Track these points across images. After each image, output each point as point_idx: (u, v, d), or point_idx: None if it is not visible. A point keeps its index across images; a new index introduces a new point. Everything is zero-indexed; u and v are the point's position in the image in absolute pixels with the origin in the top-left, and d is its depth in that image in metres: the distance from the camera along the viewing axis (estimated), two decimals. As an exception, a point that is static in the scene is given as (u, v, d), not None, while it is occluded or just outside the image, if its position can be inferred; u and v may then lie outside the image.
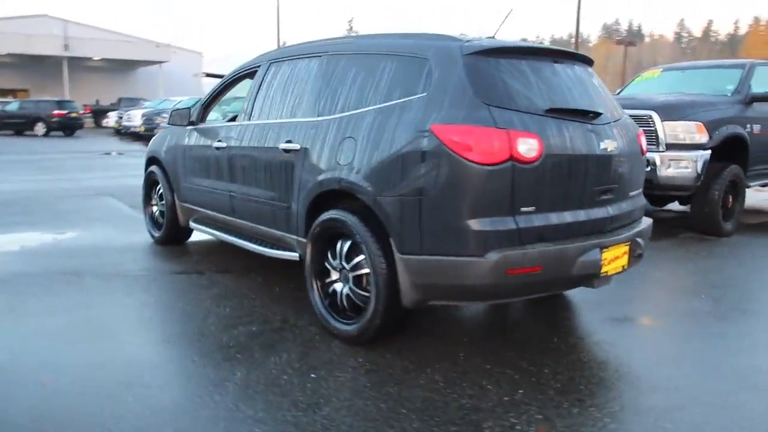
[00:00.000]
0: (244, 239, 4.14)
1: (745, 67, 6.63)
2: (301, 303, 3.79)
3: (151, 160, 5.46)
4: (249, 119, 4.05)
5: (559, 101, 2.92)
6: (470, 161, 2.61)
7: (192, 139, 4.73)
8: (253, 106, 4.06)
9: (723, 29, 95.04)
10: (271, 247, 3.86)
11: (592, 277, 2.89)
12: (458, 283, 2.73)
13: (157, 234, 5.38)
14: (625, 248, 3.05)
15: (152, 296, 3.94)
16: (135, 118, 21.15)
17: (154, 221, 5.52)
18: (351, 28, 48.67)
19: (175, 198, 5.04)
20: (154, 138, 5.65)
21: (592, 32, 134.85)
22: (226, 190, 4.20)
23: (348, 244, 3.13)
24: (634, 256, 3.12)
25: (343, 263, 3.16)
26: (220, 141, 4.26)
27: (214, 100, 4.84)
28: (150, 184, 5.51)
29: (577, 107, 2.96)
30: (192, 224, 4.88)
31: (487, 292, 2.76)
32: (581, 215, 2.91)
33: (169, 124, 4.90)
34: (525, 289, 2.81)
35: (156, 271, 4.52)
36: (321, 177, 3.24)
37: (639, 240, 3.14)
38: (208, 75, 44.64)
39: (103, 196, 8.23)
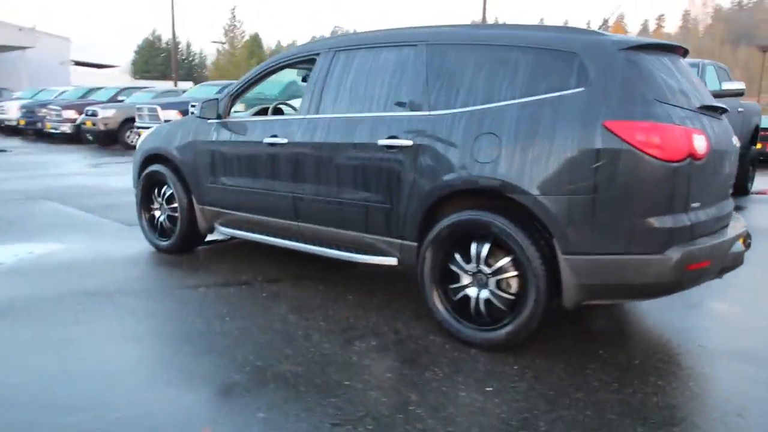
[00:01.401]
0: (314, 245, 3.76)
1: (699, 65, 7.26)
2: (390, 310, 3.53)
3: (152, 159, 4.78)
4: (317, 112, 3.67)
5: (700, 98, 2.96)
6: (656, 158, 2.55)
7: (222, 134, 4.19)
8: (320, 98, 3.67)
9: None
10: (355, 252, 3.55)
11: (732, 267, 2.98)
12: (634, 281, 2.66)
13: (164, 242, 4.72)
14: (742, 239, 3.17)
15: (219, 314, 3.42)
16: (10, 111, 18.51)
17: (156, 228, 4.84)
18: (233, 16, 46.70)
19: (194, 200, 4.46)
20: (152, 132, 4.94)
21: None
22: (288, 191, 3.77)
23: (487, 245, 2.94)
24: (746, 246, 3.26)
25: (482, 266, 2.97)
26: (275, 137, 3.81)
27: (245, 92, 4.33)
28: (149, 185, 4.82)
29: (711, 103, 3.02)
30: (222, 229, 4.35)
31: (661, 289, 2.72)
32: (722, 209, 2.98)
33: (199, 117, 4.30)
34: (689, 283, 2.82)
35: (195, 285, 3.95)
36: (449, 176, 3.00)
37: (748, 231, 3.29)
38: (78, 63, 40.56)
39: (38, 200, 7.10)
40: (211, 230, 4.51)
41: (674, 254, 2.59)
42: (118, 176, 9.61)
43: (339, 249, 3.63)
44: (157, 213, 4.82)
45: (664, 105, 2.66)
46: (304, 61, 4.03)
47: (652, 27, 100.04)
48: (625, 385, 2.67)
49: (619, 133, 2.59)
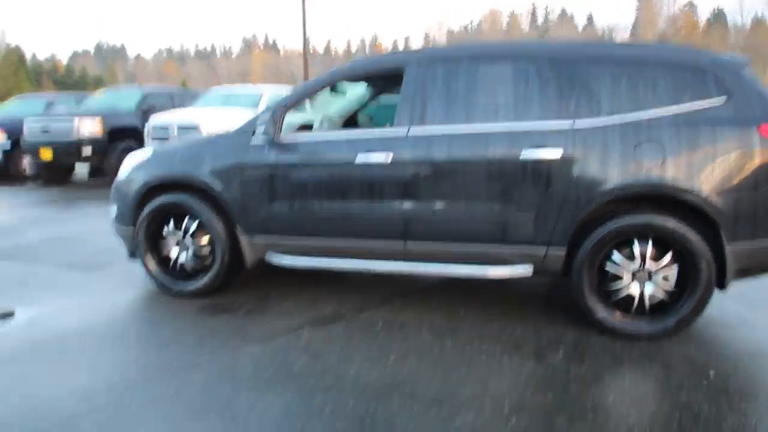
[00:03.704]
0: (420, 262, 3.31)
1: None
2: (520, 319, 3.29)
3: (162, 188, 3.67)
4: (421, 124, 3.21)
5: None
6: (803, 154, 2.82)
7: (285, 154, 3.40)
8: (424, 111, 3.22)
9: (340, 47, 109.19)
10: (476, 266, 3.22)
11: None
12: (783, 258, 2.93)
13: (191, 285, 3.67)
14: None
15: (373, 356, 2.79)
16: None
17: (171, 270, 3.74)
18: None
19: (239, 231, 3.55)
20: (154, 156, 3.73)
21: (233, 44, 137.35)
22: (395, 210, 3.23)
23: (650, 244, 2.93)
24: None
25: (645, 264, 2.94)
26: (372, 152, 3.23)
27: (297, 105, 3.57)
28: (158, 220, 3.70)
29: None
30: (280, 260, 3.53)
31: None
32: None
33: (265, 135, 3.37)
34: None
35: (291, 328, 3.14)
36: (613, 183, 2.89)
37: None
38: None
39: None
40: (259, 262, 3.66)
41: None
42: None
43: (455, 264, 3.26)
44: (173, 252, 3.73)
45: (783, 110, 2.96)
46: (376, 74, 3.51)
47: (401, 46, 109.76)
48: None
49: (773, 135, 2.80)
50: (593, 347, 2.90)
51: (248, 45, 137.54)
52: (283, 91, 10.42)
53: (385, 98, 5.03)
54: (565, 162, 2.97)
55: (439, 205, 3.18)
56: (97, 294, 3.80)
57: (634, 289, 2.99)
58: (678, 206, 2.91)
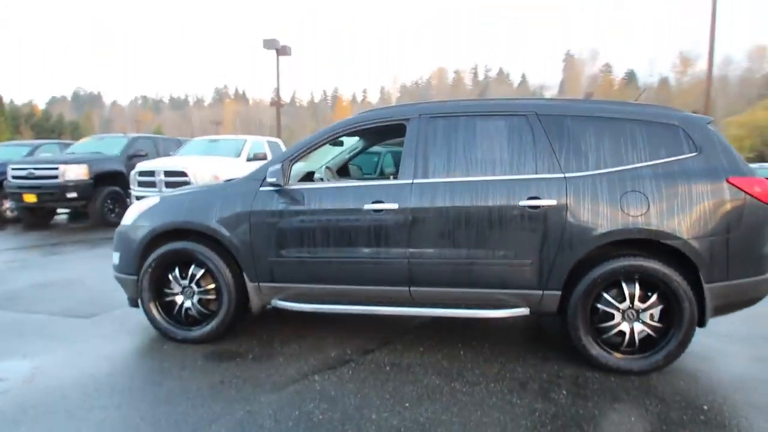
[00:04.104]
0: (423, 307, 3.20)
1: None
2: (518, 357, 3.22)
3: (169, 235, 3.46)
4: (425, 177, 3.16)
5: None
6: (766, 203, 2.91)
7: (293, 203, 3.27)
8: (426, 162, 3.18)
9: (305, 98, 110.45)
10: (477, 309, 3.14)
11: None
12: (756, 296, 2.97)
13: (196, 331, 3.42)
14: None
15: (389, 402, 2.63)
16: None
17: (175, 316, 3.48)
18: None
19: (247, 278, 3.36)
20: (161, 203, 3.50)
21: (205, 94, 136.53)
22: (401, 257, 3.13)
23: (636, 285, 2.94)
24: None
25: (633, 303, 2.93)
26: (379, 202, 3.15)
27: (303, 157, 3.47)
28: (162, 266, 3.46)
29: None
30: (286, 305, 3.35)
31: (762, 298, 3.06)
32: None
33: (272, 184, 3.24)
34: None
35: (303, 374, 2.95)
36: (604, 229, 2.90)
37: None
38: None
39: None
40: (264, 308, 3.47)
41: None
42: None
43: (456, 308, 3.17)
44: (177, 299, 3.48)
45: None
46: (379, 127, 3.45)
47: (360, 99, 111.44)
48: None
49: (741, 186, 2.88)
50: (591, 383, 2.84)
51: (220, 95, 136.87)
52: (264, 140, 10.28)
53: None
54: (560, 211, 2.96)
55: (442, 252, 3.10)
56: (96, 342, 3.49)
57: (625, 327, 2.97)
58: (661, 250, 2.94)
